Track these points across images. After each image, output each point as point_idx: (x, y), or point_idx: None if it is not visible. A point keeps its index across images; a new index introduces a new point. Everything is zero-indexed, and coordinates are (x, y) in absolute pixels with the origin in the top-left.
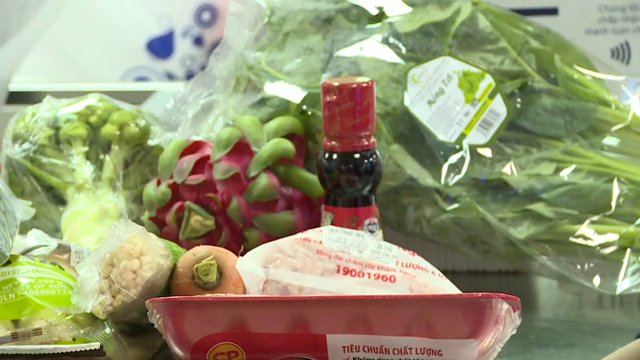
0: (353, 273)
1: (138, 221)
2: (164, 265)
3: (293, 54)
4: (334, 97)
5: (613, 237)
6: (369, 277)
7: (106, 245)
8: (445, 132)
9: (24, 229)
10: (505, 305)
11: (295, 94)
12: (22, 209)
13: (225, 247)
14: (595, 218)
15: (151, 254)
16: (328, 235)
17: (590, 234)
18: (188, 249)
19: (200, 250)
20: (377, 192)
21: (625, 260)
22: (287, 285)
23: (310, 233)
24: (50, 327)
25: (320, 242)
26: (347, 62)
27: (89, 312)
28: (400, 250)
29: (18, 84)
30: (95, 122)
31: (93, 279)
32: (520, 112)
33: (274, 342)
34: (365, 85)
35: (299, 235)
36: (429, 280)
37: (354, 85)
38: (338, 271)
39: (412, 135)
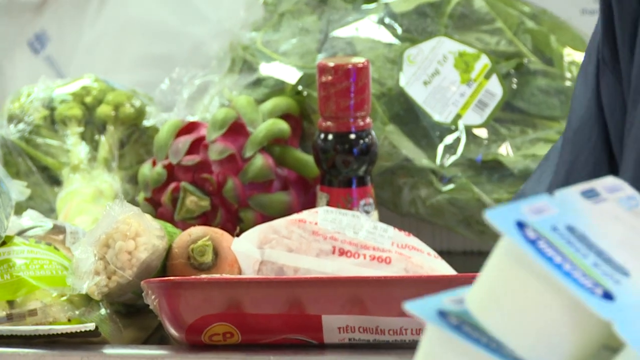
0: (349, 254)
1: (133, 202)
2: (160, 246)
3: (288, 35)
4: (330, 77)
5: None
6: (365, 258)
7: (101, 226)
8: (440, 113)
9: (19, 209)
10: None
11: (290, 75)
12: (18, 189)
13: (220, 228)
14: None
15: (146, 235)
16: (323, 216)
17: None
18: (183, 229)
19: (196, 230)
20: (373, 173)
21: None
22: (282, 266)
23: (305, 214)
24: (46, 308)
25: (316, 223)
26: (343, 43)
27: (84, 293)
28: (396, 231)
29: None
30: (91, 103)
31: (88, 260)
32: (516, 92)
33: (269, 323)
34: (360, 65)
35: (295, 216)
36: (425, 261)
37: (350, 66)
38: (333, 252)
39: (408, 115)
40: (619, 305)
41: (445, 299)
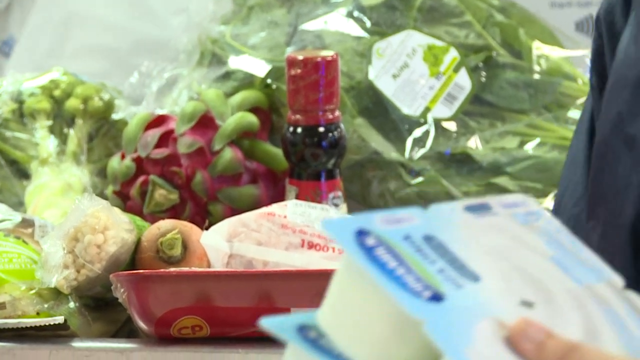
0: (318, 247)
1: (102, 195)
2: (129, 240)
3: (257, 28)
4: (299, 70)
5: None
6: (334, 251)
7: (70, 219)
8: (409, 106)
9: None
10: None
11: (259, 68)
12: None
13: (189, 221)
14: None
15: (115, 229)
16: (293, 210)
17: None
18: (152, 223)
19: (165, 224)
20: (342, 166)
21: None
22: (251, 259)
23: (274, 207)
24: (14, 302)
25: (285, 217)
26: (312, 36)
27: (53, 286)
28: None
29: None
30: (59, 96)
31: (57, 254)
32: (485, 85)
33: (238, 316)
34: (329, 59)
35: (264, 209)
36: None
37: (319, 59)
38: (302, 245)
39: (377, 109)
40: (443, 307)
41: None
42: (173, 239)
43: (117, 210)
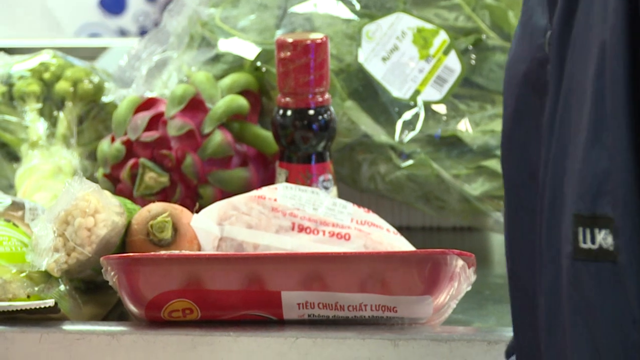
0: (308, 230)
1: (92, 178)
2: (119, 223)
3: (247, 10)
4: (288, 53)
5: None
6: (324, 234)
7: (60, 203)
8: (399, 89)
9: None
10: (460, 262)
11: (249, 51)
12: None
13: (179, 204)
14: None
15: (106, 212)
16: (283, 193)
17: None
18: (143, 206)
19: (155, 207)
20: (332, 149)
21: None
22: (242, 242)
23: (265, 190)
24: (5, 285)
25: (275, 200)
26: (301, 19)
27: (43, 270)
28: (355, 208)
29: None
30: (49, 79)
31: (47, 237)
32: (475, 68)
33: (229, 299)
34: (319, 41)
35: (254, 192)
36: (384, 238)
37: (308, 42)
38: (293, 229)
39: (367, 91)
40: None
41: None
42: (163, 221)
43: (107, 193)
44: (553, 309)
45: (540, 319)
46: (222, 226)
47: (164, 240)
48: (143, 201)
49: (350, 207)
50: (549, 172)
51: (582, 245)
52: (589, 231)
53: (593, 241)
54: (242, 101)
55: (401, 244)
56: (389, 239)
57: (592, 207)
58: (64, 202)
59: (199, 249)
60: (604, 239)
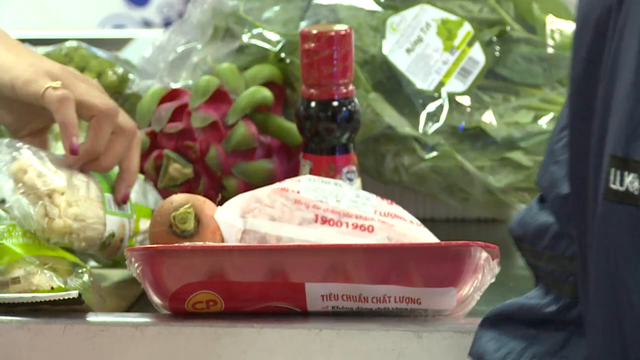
0: (331, 222)
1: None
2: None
3: (271, 2)
4: (312, 45)
5: None
6: (347, 226)
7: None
8: (423, 81)
9: None
10: (484, 254)
11: (273, 42)
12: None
13: (203, 196)
14: None
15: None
16: (306, 185)
17: None
18: (166, 197)
19: (178, 198)
20: (356, 141)
21: None
22: (265, 235)
23: (288, 183)
24: (29, 276)
25: (298, 192)
26: (326, 10)
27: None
28: (378, 199)
29: None
30: None
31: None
32: (499, 60)
33: (252, 291)
34: (343, 33)
35: (277, 185)
36: (407, 229)
37: (332, 33)
38: (316, 221)
39: (391, 83)
40: None
41: None
42: (186, 213)
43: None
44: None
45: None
46: (245, 219)
47: (186, 231)
48: (167, 192)
49: (374, 198)
50: (600, 111)
51: (612, 186)
52: (619, 173)
53: (622, 183)
54: (266, 92)
55: (425, 236)
56: (412, 231)
57: (626, 149)
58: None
59: (222, 240)
60: (631, 182)
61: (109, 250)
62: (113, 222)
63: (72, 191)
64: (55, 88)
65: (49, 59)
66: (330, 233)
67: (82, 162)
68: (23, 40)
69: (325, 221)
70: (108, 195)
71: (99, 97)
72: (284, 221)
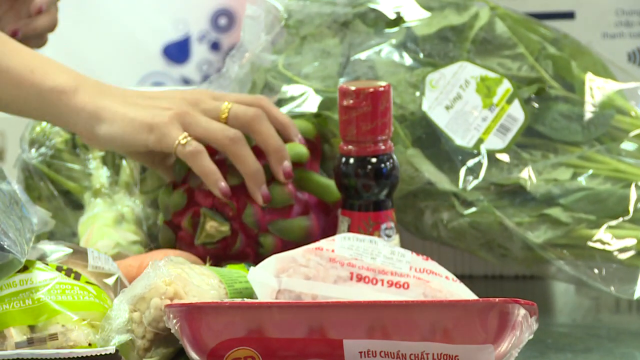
0: (366, 280)
1: (155, 225)
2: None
3: (310, 58)
4: (351, 101)
5: (631, 242)
6: (382, 284)
7: (139, 285)
8: (463, 137)
9: (42, 235)
10: (523, 311)
11: (311, 98)
12: (43, 219)
13: (240, 253)
14: (613, 223)
15: (189, 299)
16: (341, 244)
17: (608, 238)
18: (204, 254)
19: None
20: (395, 196)
21: None
22: (300, 294)
23: (322, 242)
24: (66, 332)
25: (333, 251)
26: (364, 67)
27: (113, 346)
28: (414, 256)
29: None
30: None
31: (121, 316)
32: (538, 117)
33: (290, 347)
34: (382, 89)
35: (312, 245)
36: (443, 285)
37: (371, 90)
38: (351, 278)
39: (430, 139)
40: None
41: None
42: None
43: (199, 271)
44: None
45: None
46: (280, 278)
47: None
48: (204, 250)
49: (409, 255)
50: None
51: None
52: None
53: None
54: (300, 149)
55: (461, 292)
56: (448, 287)
57: None
58: (143, 284)
59: None
60: None
61: None
62: None
63: None
64: (183, 145)
65: (160, 94)
66: (366, 291)
67: (263, 182)
68: None
69: (360, 279)
70: None
71: (219, 131)
72: (319, 280)
